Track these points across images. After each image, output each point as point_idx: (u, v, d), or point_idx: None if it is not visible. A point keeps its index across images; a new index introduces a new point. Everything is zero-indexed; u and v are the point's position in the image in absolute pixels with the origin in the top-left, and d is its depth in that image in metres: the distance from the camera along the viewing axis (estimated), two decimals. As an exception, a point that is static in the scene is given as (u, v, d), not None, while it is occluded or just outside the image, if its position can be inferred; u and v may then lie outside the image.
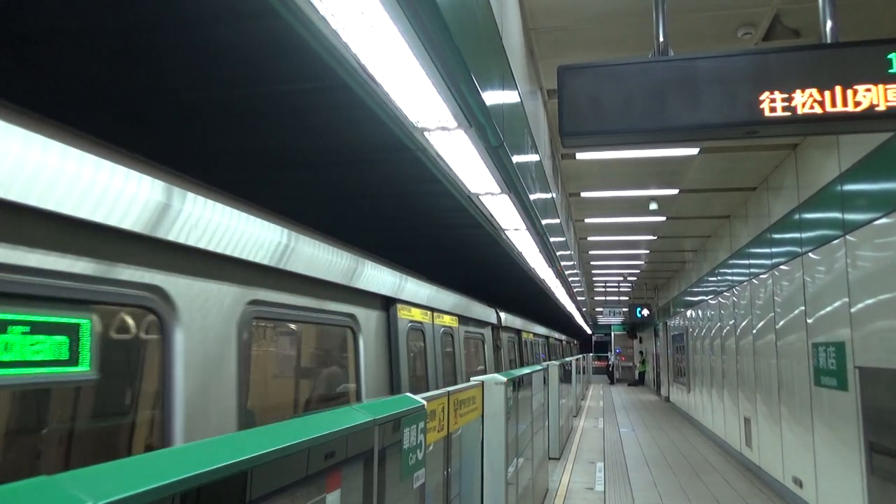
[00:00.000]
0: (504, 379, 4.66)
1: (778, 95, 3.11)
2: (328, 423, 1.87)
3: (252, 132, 3.72)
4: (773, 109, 3.11)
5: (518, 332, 10.89)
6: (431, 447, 2.97)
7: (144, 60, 2.77)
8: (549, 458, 9.90)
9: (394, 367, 4.06)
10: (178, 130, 3.70)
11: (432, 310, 5.23)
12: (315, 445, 1.72)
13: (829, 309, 6.48)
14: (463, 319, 6.48)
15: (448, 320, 5.84)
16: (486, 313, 7.61)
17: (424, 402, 2.64)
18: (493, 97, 3.53)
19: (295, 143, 3.92)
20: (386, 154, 3.97)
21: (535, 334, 13.91)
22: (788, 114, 3.10)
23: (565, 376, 13.40)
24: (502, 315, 8.66)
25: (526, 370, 6.67)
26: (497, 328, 8.42)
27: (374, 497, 2.11)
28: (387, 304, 4.12)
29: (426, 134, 3.43)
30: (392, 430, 2.28)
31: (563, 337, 24.63)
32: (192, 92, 3.12)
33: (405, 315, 4.38)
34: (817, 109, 3.07)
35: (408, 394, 2.68)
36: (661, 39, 3.39)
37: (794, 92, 3.09)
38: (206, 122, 3.57)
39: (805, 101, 3.08)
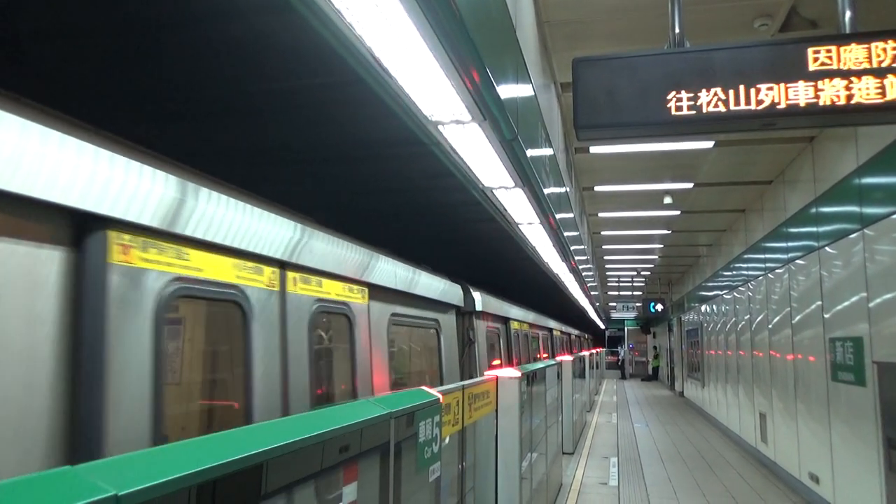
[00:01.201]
0: (518, 373, 4.66)
1: (795, 86, 3.07)
2: (345, 415, 1.87)
3: (266, 129, 3.73)
4: (789, 101, 3.08)
5: (505, 321, 8.21)
6: (447, 440, 2.97)
7: (158, 57, 2.78)
8: (563, 453, 9.90)
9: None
10: (191, 127, 3.72)
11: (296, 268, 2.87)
12: (332, 438, 1.73)
13: (846, 303, 6.41)
14: (380, 293, 3.89)
15: (334, 289, 3.26)
16: (442, 290, 5.09)
17: (440, 396, 2.64)
18: (508, 90, 3.52)
19: (309, 139, 3.93)
20: (400, 148, 3.96)
21: (533, 325, 11.07)
22: (806, 105, 3.06)
23: (579, 371, 13.36)
24: (478, 296, 6.13)
25: (539, 365, 6.65)
26: (469, 315, 6.02)
27: (391, 490, 2.12)
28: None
29: (440, 128, 3.42)
30: (408, 424, 2.29)
31: (574, 331, 23.15)
32: (205, 88, 3.13)
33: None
34: (838, 101, 3.03)
35: (423, 387, 2.69)
36: (677, 31, 3.36)
37: (812, 83, 3.06)
38: (219, 119, 3.58)
39: (824, 91, 3.04)
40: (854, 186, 6.28)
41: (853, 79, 3.00)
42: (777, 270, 9.14)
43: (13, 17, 2.42)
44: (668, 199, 10.41)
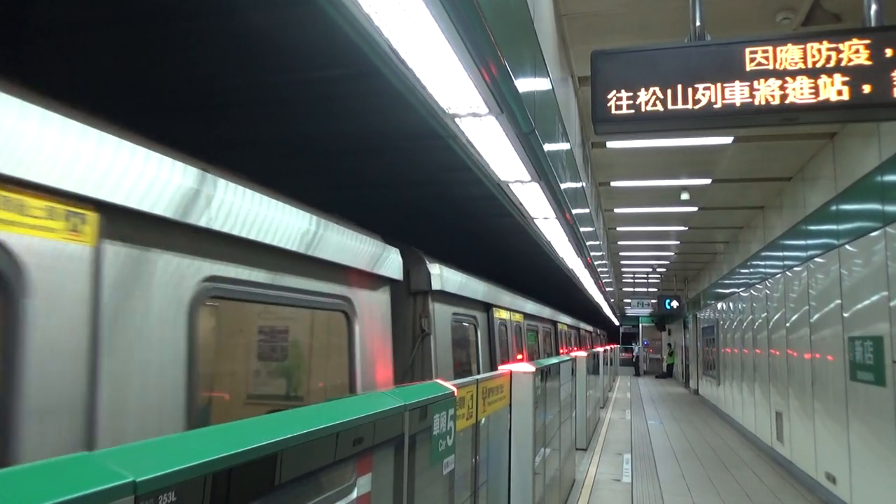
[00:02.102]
0: (532, 368, 4.64)
1: (814, 82, 3.02)
2: (360, 407, 1.87)
3: (281, 121, 3.73)
4: (810, 95, 3.03)
5: (486, 307, 6.01)
6: (462, 434, 2.97)
7: (173, 48, 2.79)
8: (577, 449, 9.87)
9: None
10: (207, 119, 3.73)
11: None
12: (347, 429, 1.73)
13: (866, 302, 6.32)
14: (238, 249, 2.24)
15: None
16: (359, 252, 3.14)
17: (454, 389, 2.64)
18: (525, 84, 3.49)
19: (324, 132, 3.92)
20: (416, 142, 3.95)
21: (532, 317, 8.73)
22: (824, 100, 3.01)
23: (592, 368, 13.30)
24: (435, 270, 4.37)
25: (554, 360, 6.62)
26: (423, 295, 4.30)
27: (405, 482, 2.12)
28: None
29: (457, 120, 3.41)
30: (422, 416, 2.29)
31: (587, 326, 21.82)
32: (220, 80, 3.13)
33: None
34: (852, 96, 2.98)
35: (438, 380, 2.68)
36: (698, 24, 3.31)
37: (831, 77, 3.00)
38: (235, 111, 3.59)
39: (841, 87, 2.99)
40: (876, 184, 6.18)
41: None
42: (795, 268, 9.03)
43: (41, 8, 2.43)
44: (685, 196, 10.32)
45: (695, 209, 11.42)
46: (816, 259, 8.04)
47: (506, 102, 3.15)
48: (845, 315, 6.91)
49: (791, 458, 9.40)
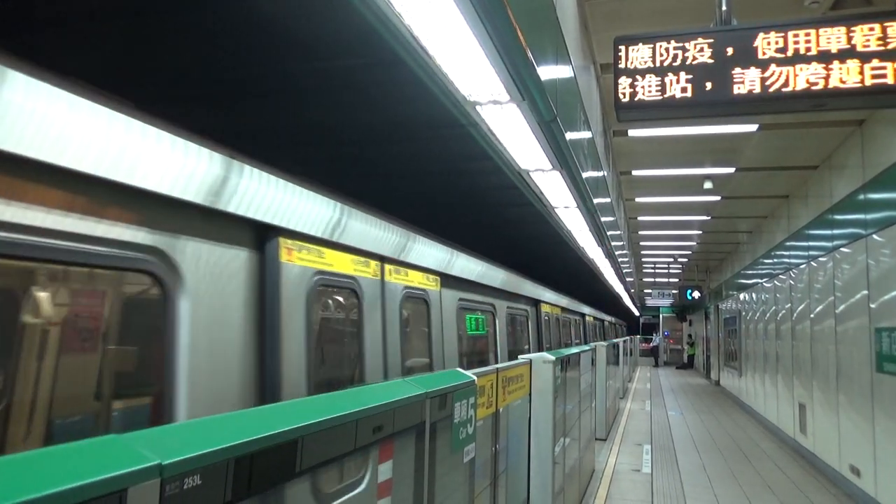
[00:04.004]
0: (552, 357, 4.63)
1: (846, 66, 2.95)
2: (380, 395, 1.88)
3: (304, 109, 3.74)
4: (840, 80, 2.96)
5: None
6: (482, 423, 2.97)
7: (196, 37, 2.80)
8: (596, 439, 9.85)
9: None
10: (231, 106, 3.75)
11: None
12: (368, 416, 1.73)
13: (894, 293, 6.20)
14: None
15: None
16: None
17: (475, 378, 2.64)
18: (547, 71, 3.46)
19: (346, 120, 3.93)
20: (437, 130, 3.94)
21: (501, 293, 6.17)
22: (857, 85, 2.94)
23: (612, 358, 13.23)
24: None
25: (574, 350, 6.60)
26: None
27: (426, 469, 2.13)
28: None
29: (478, 108, 3.39)
30: (443, 405, 2.29)
31: (607, 317, 21.64)
32: (243, 68, 3.14)
33: None
34: (888, 80, 2.90)
35: (458, 369, 2.69)
36: (724, 8, 3.25)
37: (865, 62, 2.93)
38: (258, 99, 3.61)
39: (875, 71, 2.92)
40: (906, 172, 6.05)
41: (911, 57, 2.87)
42: (821, 258, 8.89)
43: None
44: (708, 185, 10.18)
45: (718, 198, 11.27)
46: (843, 249, 7.89)
47: (527, 90, 3.12)
48: (872, 306, 6.79)
49: (814, 450, 9.29)
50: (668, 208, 12.55)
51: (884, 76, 2.87)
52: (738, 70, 3.02)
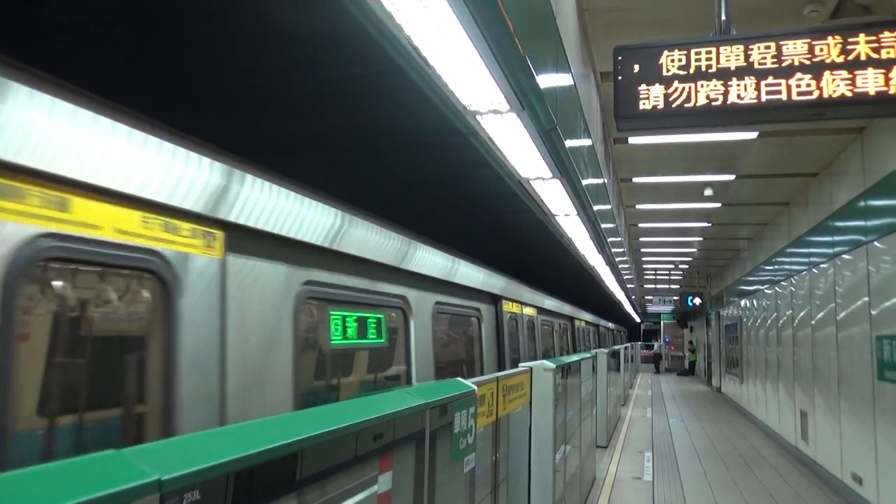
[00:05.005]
0: (553, 365, 4.62)
1: (843, 76, 2.96)
2: (381, 405, 1.88)
3: (305, 117, 3.75)
4: (837, 90, 2.97)
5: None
6: (482, 431, 2.96)
7: (199, 45, 2.81)
8: (597, 447, 9.82)
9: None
10: (233, 114, 3.76)
11: None
12: (368, 428, 1.73)
13: (895, 300, 6.20)
14: None
15: None
16: None
17: (475, 387, 2.64)
18: (547, 80, 3.47)
19: (347, 128, 3.94)
20: (437, 138, 3.95)
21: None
22: (853, 95, 2.95)
23: (613, 365, 13.20)
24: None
25: (574, 357, 6.59)
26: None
27: (426, 479, 2.12)
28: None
29: (478, 117, 3.40)
30: (443, 414, 2.29)
31: (607, 324, 21.26)
32: (244, 77, 3.15)
33: None
34: (889, 89, 2.91)
35: (459, 378, 2.68)
36: (724, 18, 3.26)
37: (859, 72, 2.94)
38: (260, 106, 3.62)
39: (870, 81, 2.92)
40: (906, 179, 6.05)
41: (909, 67, 2.88)
42: (821, 265, 8.88)
43: (78, 5, 2.46)
44: (708, 192, 10.19)
45: (718, 205, 11.27)
46: (843, 256, 7.89)
47: (527, 99, 3.13)
48: (873, 313, 6.78)
49: (816, 458, 9.26)
50: (669, 215, 12.55)
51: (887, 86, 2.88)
52: (735, 80, 3.02)
